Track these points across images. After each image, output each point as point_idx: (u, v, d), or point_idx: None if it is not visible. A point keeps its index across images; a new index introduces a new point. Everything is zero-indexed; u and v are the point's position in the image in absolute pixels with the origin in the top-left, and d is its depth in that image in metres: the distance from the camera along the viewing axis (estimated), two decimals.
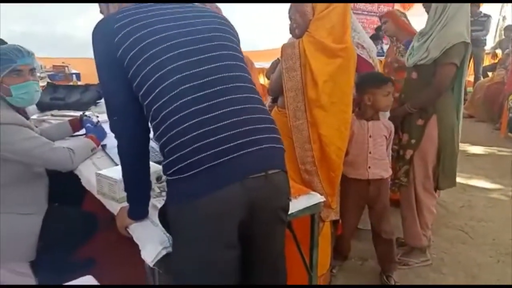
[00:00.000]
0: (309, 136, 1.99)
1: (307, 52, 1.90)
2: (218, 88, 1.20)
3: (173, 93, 1.16)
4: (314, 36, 1.92)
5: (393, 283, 2.41)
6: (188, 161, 1.13)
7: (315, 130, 1.98)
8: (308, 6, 1.96)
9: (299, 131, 2.00)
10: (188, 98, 1.16)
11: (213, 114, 1.16)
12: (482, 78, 7.22)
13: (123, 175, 1.38)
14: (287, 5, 2.09)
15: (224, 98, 1.19)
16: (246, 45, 1.77)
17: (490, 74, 7.23)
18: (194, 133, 1.14)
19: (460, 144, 2.62)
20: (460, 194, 3.70)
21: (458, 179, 3.66)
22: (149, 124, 1.25)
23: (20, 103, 1.96)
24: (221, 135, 1.15)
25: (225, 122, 1.17)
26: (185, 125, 1.15)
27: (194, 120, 1.15)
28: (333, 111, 1.96)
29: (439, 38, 2.29)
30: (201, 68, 1.20)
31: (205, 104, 1.17)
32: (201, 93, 1.17)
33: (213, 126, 1.16)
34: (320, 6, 1.94)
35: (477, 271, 2.61)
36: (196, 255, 1.18)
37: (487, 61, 8.06)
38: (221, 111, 1.18)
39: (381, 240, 2.43)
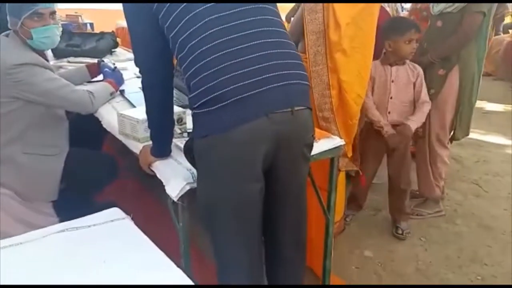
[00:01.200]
0: (329, 82, 1.96)
1: None
2: (245, 20, 1.17)
3: (199, 24, 1.14)
4: None
5: (400, 233, 2.45)
6: (215, 94, 1.13)
7: (335, 75, 1.94)
8: None
9: (319, 76, 1.96)
10: (215, 29, 1.14)
11: (240, 46, 1.14)
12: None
13: (147, 111, 1.38)
14: None
15: (251, 31, 1.17)
16: None
17: (511, 32, 6.99)
18: (220, 66, 1.13)
19: (477, 101, 2.58)
20: (476, 150, 3.68)
21: (474, 135, 3.65)
22: (175, 57, 1.24)
23: (41, 47, 1.94)
24: (248, 69, 1.14)
25: (252, 56, 1.15)
26: (211, 58, 1.13)
27: (221, 53, 1.13)
28: (354, 56, 1.91)
29: None
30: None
31: (232, 36, 1.14)
32: (228, 25, 1.15)
33: (240, 59, 1.14)
34: None
35: (491, 222, 2.63)
36: (223, 187, 1.19)
37: (507, 19, 7.77)
38: (248, 44, 1.15)
39: (397, 190, 2.45)
